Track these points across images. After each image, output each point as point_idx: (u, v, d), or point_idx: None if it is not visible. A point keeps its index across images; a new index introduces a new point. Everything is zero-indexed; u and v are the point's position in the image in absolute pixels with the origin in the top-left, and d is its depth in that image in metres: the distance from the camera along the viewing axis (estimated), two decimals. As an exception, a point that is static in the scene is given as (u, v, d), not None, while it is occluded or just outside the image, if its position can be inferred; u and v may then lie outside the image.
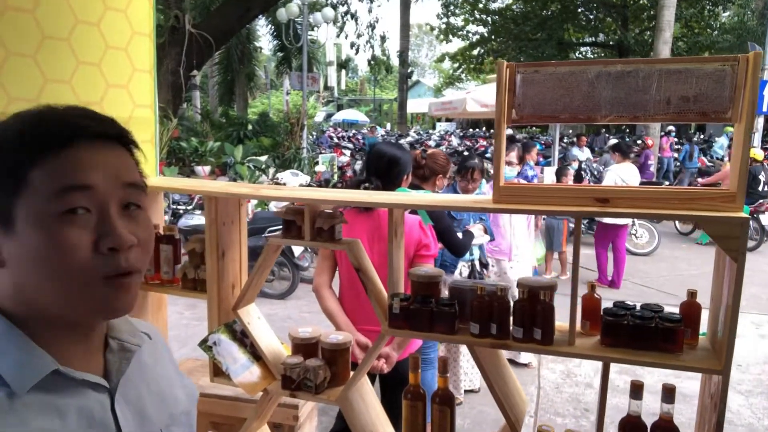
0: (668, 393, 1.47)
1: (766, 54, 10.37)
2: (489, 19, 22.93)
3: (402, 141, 18.33)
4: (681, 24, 19.87)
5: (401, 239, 1.69)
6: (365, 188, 2.37)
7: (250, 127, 13.85)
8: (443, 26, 23.63)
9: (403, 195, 1.75)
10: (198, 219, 6.28)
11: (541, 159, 13.25)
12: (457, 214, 3.71)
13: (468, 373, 4.28)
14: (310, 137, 14.32)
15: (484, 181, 4.29)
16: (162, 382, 0.92)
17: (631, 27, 20.96)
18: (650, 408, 1.60)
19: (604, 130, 19.18)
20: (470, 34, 23.56)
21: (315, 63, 21.37)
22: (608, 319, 1.49)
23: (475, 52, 23.78)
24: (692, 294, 1.51)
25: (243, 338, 1.90)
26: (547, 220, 6.80)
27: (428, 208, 1.57)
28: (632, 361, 1.44)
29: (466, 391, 4.29)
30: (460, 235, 3.47)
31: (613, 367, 1.53)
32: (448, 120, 27.02)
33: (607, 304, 1.55)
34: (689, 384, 3.93)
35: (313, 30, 13.42)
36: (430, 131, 26.55)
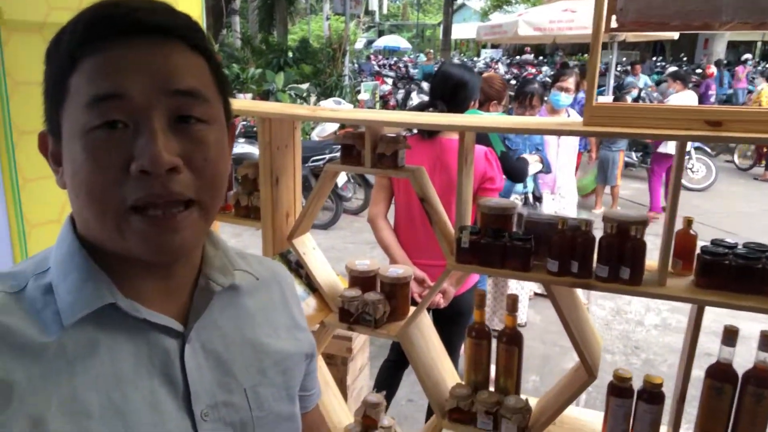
0: (767, 340, 1.32)
1: None
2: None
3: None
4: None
5: (471, 167, 1.54)
6: (429, 113, 2.21)
7: (290, 53, 13.53)
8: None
9: (476, 117, 1.58)
10: (242, 147, 6.21)
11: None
12: (512, 143, 3.51)
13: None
14: (352, 64, 13.92)
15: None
16: (261, 332, 0.77)
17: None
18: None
19: (656, 58, 17.98)
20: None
21: (356, -15, 20.53)
22: (706, 258, 1.33)
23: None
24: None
25: (298, 269, 1.81)
26: (602, 152, 6.45)
27: (506, 131, 1.40)
28: (732, 306, 1.29)
29: (512, 326, 4.24)
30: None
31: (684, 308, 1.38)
32: (494, 46, 25.89)
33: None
34: None
35: (355, -52, 12.77)
36: (475, 58, 25.54)
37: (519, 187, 3.92)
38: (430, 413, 2.39)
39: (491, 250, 1.46)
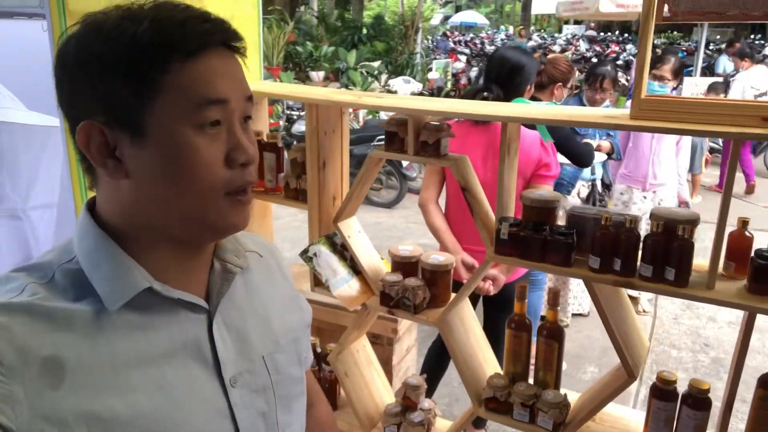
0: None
1: None
2: None
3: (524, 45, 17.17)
4: None
5: (514, 157, 1.51)
6: (483, 98, 2.18)
7: (364, 30, 13.54)
8: None
9: (520, 107, 1.55)
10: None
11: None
12: (580, 128, 3.38)
13: (578, 296, 4.08)
14: (426, 41, 13.75)
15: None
16: (270, 306, 0.86)
17: None
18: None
19: (754, 36, 16.51)
20: None
21: (434, -41, 20.14)
22: (760, 262, 1.25)
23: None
24: None
25: (343, 251, 1.86)
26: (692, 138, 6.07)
27: (549, 122, 1.37)
28: (786, 315, 1.21)
29: (573, 315, 4.13)
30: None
31: (730, 318, 1.30)
32: (577, 23, 24.79)
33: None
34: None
35: None
36: (556, 35, 24.56)
37: (586, 173, 3.77)
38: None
39: (531, 243, 1.44)
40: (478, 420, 1.72)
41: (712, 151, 8.29)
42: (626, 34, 21.05)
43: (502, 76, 2.22)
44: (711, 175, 7.88)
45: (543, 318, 3.95)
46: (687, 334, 4.07)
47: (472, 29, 26.61)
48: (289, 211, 6.05)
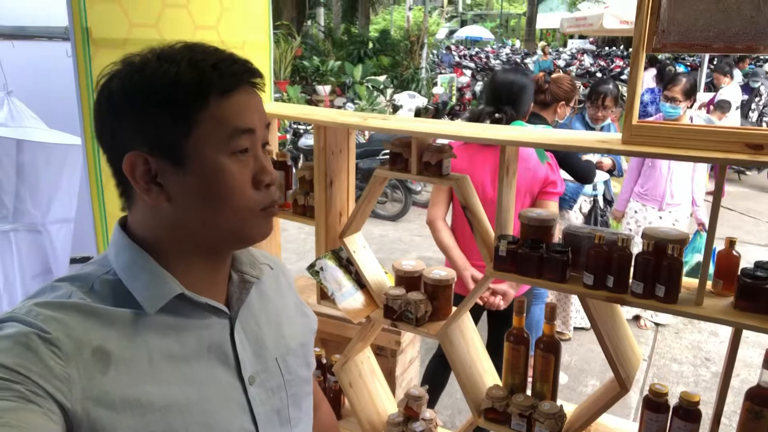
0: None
1: None
2: None
3: (528, 60, 17.27)
4: None
5: (513, 178, 1.58)
6: (496, 119, 2.26)
7: (370, 45, 13.69)
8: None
9: (517, 130, 1.62)
10: (312, 139, 6.42)
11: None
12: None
13: (580, 310, 4.13)
14: (431, 56, 13.88)
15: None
16: (281, 313, 0.95)
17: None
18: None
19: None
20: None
21: (440, -25, 20.36)
22: (745, 281, 1.31)
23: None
24: None
25: (348, 265, 1.93)
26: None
27: (545, 146, 1.44)
28: (770, 331, 1.27)
29: (575, 328, 4.17)
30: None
31: (719, 335, 1.36)
32: (581, 37, 24.96)
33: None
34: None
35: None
36: (560, 49, 24.73)
37: (588, 189, 3.84)
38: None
39: (528, 260, 1.50)
40: (478, 430, 1.78)
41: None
42: (630, 49, 21.15)
43: (513, 97, 2.31)
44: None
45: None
46: (688, 348, 4.10)
47: (477, 43, 26.82)
48: (295, 224, 6.12)
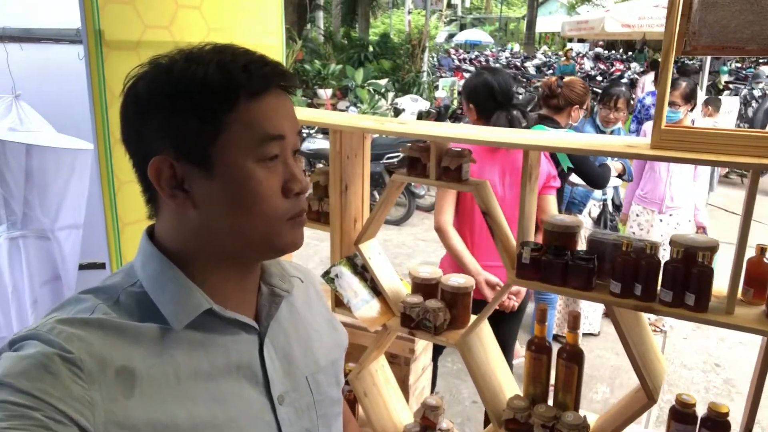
0: None
1: None
2: None
3: (528, 64, 17.26)
4: None
5: (535, 183, 1.55)
6: (512, 117, 2.30)
7: (371, 48, 13.68)
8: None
9: (542, 134, 1.59)
10: (320, 143, 6.39)
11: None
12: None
13: (588, 316, 4.10)
14: (431, 59, 13.85)
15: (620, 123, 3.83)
16: (311, 328, 0.91)
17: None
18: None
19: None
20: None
21: (439, -21, 20.37)
22: (780, 289, 1.28)
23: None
24: None
25: (363, 272, 1.89)
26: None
27: (570, 151, 1.41)
28: (806, 341, 1.23)
29: (584, 335, 4.13)
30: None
31: (741, 339, 1.32)
32: (580, 41, 25.00)
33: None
34: None
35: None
36: (560, 53, 24.74)
37: (598, 193, 3.82)
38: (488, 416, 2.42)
39: (552, 267, 1.47)
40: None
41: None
42: (630, 53, 21.20)
43: (511, 97, 2.37)
44: (725, 195, 7.90)
45: (555, 337, 3.97)
46: (698, 353, 4.07)
47: (477, 47, 26.84)
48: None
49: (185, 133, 0.72)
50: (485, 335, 1.79)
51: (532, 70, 15.50)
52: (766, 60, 11.52)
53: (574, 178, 3.25)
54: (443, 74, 13.30)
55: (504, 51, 23.70)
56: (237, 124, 0.72)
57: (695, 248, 1.31)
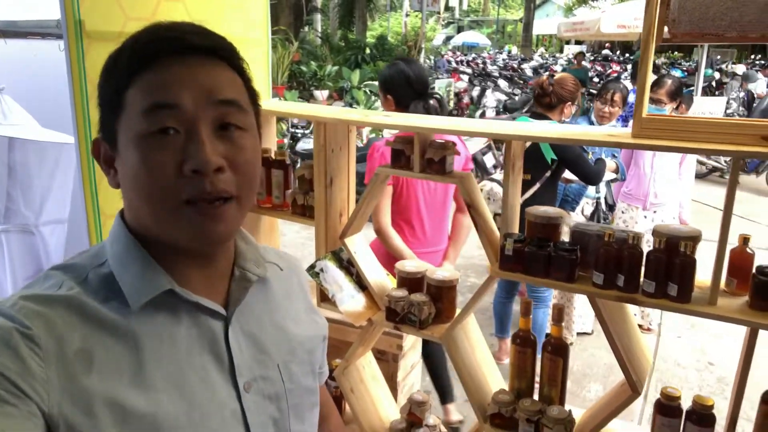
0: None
1: None
2: None
3: (525, 66, 17.28)
4: None
5: (518, 174, 1.54)
6: (429, 106, 2.36)
7: (368, 50, 13.69)
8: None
9: (525, 125, 1.58)
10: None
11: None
12: (589, 147, 3.42)
13: (582, 315, 4.08)
14: (428, 61, 13.86)
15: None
16: (288, 317, 0.88)
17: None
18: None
19: (754, 56, 16.62)
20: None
21: (437, -19, 20.42)
22: (761, 278, 1.27)
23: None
24: None
25: (349, 267, 1.88)
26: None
27: (554, 141, 1.40)
28: (788, 330, 1.22)
29: (578, 334, 4.12)
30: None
31: (735, 336, 1.32)
32: (578, 42, 25.04)
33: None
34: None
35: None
36: (557, 55, 24.78)
37: (591, 191, 3.81)
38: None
39: (535, 259, 1.46)
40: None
41: (715, 170, 8.34)
42: (627, 54, 21.24)
43: (428, 84, 2.43)
44: (705, 192, 7.91)
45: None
46: (691, 352, 4.06)
47: (474, 49, 26.86)
48: (293, 228, 6.07)
49: (102, 112, 0.73)
50: (471, 329, 1.78)
51: (528, 72, 15.52)
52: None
53: (568, 174, 3.24)
54: (439, 76, 13.31)
55: (501, 53, 23.75)
56: (131, 98, 0.69)
57: (678, 238, 1.31)
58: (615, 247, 1.37)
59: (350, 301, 1.82)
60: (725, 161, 7.81)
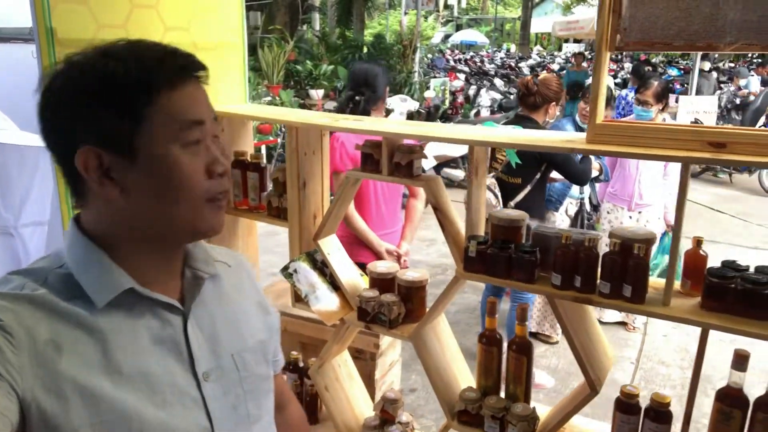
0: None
1: None
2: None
3: (522, 64, 17.29)
4: None
5: (482, 178, 1.58)
6: (356, 101, 2.64)
7: (365, 49, 13.69)
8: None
9: (486, 130, 1.62)
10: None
11: (677, 86, 11.91)
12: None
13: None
14: (426, 60, 13.86)
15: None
16: (239, 310, 0.96)
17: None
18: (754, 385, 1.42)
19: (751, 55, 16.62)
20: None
21: (434, -21, 20.41)
22: (712, 280, 1.31)
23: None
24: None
25: (323, 267, 1.91)
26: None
27: (512, 146, 1.43)
28: (736, 331, 1.26)
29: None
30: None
31: (721, 336, 1.35)
32: (576, 41, 25.02)
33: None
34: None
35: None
36: (555, 53, 24.77)
37: (575, 191, 3.84)
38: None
39: (497, 260, 1.49)
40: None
41: (708, 168, 8.37)
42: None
43: (369, 81, 2.67)
44: (711, 193, 7.94)
45: (535, 335, 3.99)
46: (676, 351, 4.09)
47: (473, 47, 26.84)
48: (272, 228, 6.09)
49: (109, 126, 0.76)
50: (442, 329, 1.81)
51: (526, 71, 15.53)
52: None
53: (553, 174, 3.28)
54: (436, 74, 13.32)
55: (499, 51, 23.74)
56: (158, 114, 0.77)
57: (632, 240, 1.34)
58: (572, 249, 1.40)
59: (323, 301, 1.85)
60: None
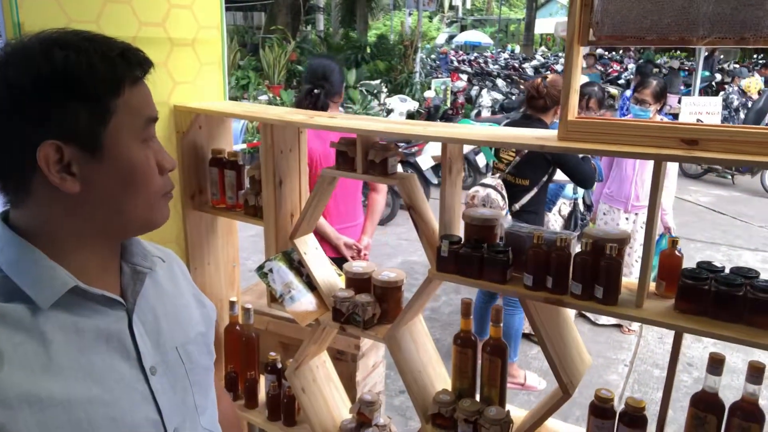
0: (755, 372, 1.25)
1: None
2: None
3: (526, 65, 17.22)
4: None
5: (457, 177, 1.54)
6: (315, 93, 2.69)
7: (368, 50, 13.67)
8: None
9: (461, 128, 1.58)
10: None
11: (682, 87, 11.83)
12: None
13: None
14: (430, 60, 13.82)
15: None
16: (177, 303, 0.96)
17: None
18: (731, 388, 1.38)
19: (756, 55, 16.51)
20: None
21: (438, -20, 20.36)
22: (686, 281, 1.27)
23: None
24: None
25: (300, 267, 1.88)
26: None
27: (486, 143, 1.40)
28: (709, 334, 1.22)
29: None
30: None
31: (703, 340, 1.32)
32: (580, 42, 24.84)
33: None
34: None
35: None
36: (560, 54, 24.67)
37: (569, 191, 3.81)
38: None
39: (469, 260, 1.46)
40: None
41: (710, 169, 8.30)
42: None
43: (326, 75, 2.73)
44: (709, 194, 7.88)
45: (527, 336, 3.95)
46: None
47: (477, 48, 26.78)
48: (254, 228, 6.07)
49: (74, 119, 0.75)
50: (418, 331, 1.78)
51: (530, 71, 15.45)
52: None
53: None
54: (439, 75, 13.28)
55: (503, 52, 23.68)
56: (123, 108, 0.77)
57: (604, 241, 1.31)
58: (544, 249, 1.37)
59: (298, 301, 1.82)
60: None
